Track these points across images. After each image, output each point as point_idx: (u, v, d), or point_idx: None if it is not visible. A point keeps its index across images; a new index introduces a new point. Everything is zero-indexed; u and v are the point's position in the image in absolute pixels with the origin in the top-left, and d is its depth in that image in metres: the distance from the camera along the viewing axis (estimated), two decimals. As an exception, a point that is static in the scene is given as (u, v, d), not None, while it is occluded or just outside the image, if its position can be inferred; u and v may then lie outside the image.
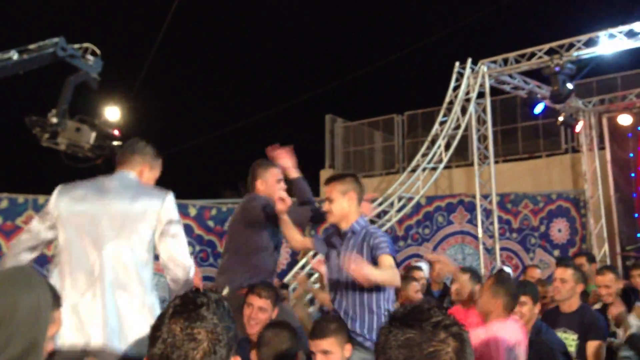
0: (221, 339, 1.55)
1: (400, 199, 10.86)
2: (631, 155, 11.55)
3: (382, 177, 14.62)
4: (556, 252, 11.57)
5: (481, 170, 11.26)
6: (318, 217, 4.23)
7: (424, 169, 10.90)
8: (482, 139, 11.39)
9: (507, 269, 7.85)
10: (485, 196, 11.12)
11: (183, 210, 10.75)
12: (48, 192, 3.20)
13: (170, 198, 3.12)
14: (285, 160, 4.24)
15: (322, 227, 4.12)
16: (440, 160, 10.84)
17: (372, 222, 10.55)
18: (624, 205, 11.59)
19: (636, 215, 11.32)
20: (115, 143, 3.91)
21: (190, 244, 10.35)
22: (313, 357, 3.19)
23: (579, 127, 11.67)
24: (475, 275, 4.59)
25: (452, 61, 11.02)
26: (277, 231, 4.22)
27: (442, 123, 10.95)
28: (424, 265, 6.99)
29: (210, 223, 10.85)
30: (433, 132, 11.07)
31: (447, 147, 10.83)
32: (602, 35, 9.40)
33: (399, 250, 11.61)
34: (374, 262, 3.38)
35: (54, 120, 3.85)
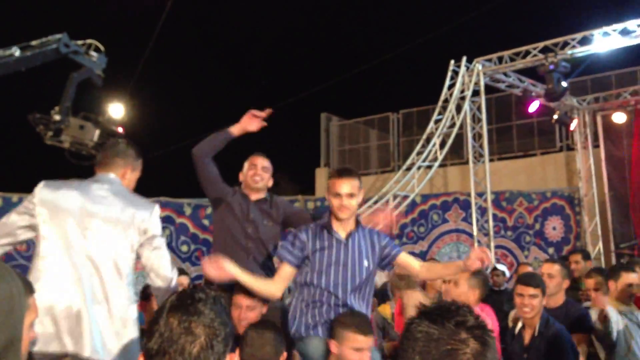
0: (218, 334, 1.56)
1: (395, 197, 10.87)
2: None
3: (377, 176, 14.64)
4: (551, 250, 11.61)
5: (476, 168, 11.28)
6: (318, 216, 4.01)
7: (419, 167, 10.91)
8: (477, 137, 11.42)
9: (502, 267, 7.87)
10: (480, 194, 11.15)
11: (178, 209, 10.73)
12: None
13: (156, 211, 3.10)
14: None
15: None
16: (435, 159, 10.85)
17: (367, 220, 10.57)
18: (618, 203, 11.64)
19: (630, 213, 11.37)
20: (119, 140, 3.87)
21: (185, 242, 10.36)
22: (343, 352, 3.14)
23: (573, 125, 11.71)
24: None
25: (447, 59, 11.05)
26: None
27: (437, 121, 10.97)
28: None
29: (206, 222, 10.83)
30: (428, 130, 11.09)
31: (442, 145, 10.85)
32: (597, 33, 9.44)
33: (394, 248, 11.63)
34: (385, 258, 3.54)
35: (57, 117, 3.79)
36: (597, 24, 9.49)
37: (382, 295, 7.15)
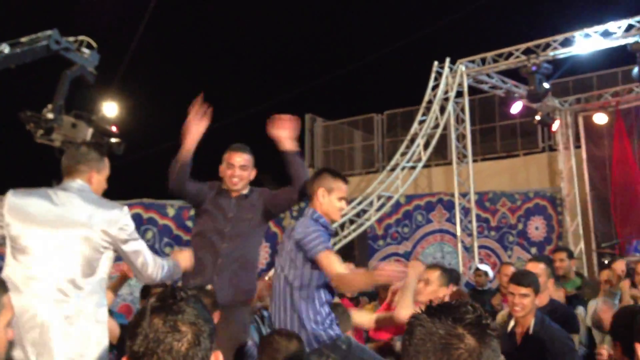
0: (204, 330, 1.56)
1: (379, 197, 10.90)
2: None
3: (362, 176, 14.66)
4: (533, 250, 11.71)
5: (460, 169, 11.35)
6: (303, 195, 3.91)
7: (403, 168, 10.95)
8: (461, 137, 11.49)
9: (485, 267, 7.92)
10: (464, 195, 11.21)
11: (161, 211, 10.66)
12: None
13: (124, 213, 3.06)
14: (281, 130, 3.93)
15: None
16: (419, 159, 10.90)
17: (351, 221, 10.59)
18: (600, 203, 11.76)
19: (611, 212, 11.49)
20: (113, 140, 3.79)
21: (168, 244, 10.30)
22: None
23: (555, 126, 11.82)
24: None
25: (431, 61, 11.10)
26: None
27: (421, 122, 11.02)
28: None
29: (189, 223, 10.76)
30: (412, 131, 11.13)
31: (426, 146, 10.90)
32: (578, 35, 9.53)
33: (378, 249, 11.66)
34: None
35: (50, 116, 3.71)
36: (578, 25, 9.60)
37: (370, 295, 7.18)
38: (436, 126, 10.85)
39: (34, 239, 2.89)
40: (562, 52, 9.73)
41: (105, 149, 3.69)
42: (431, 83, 11.05)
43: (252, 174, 4.02)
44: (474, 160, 11.73)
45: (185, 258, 3.50)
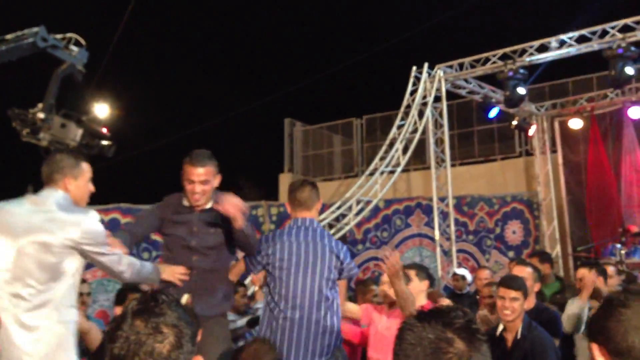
0: (186, 333, 1.55)
1: (358, 202, 10.91)
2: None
3: (341, 181, 14.68)
4: (511, 254, 11.80)
5: (438, 173, 11.41)
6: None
7: (382, 173, 10.97)
8: (439, 142, 11.56)
9: (463, 271, 7.96)
10: (442, 199, 11.27)
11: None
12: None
13: (90, 218, 3.07)
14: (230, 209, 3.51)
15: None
16: (398, 164, 10.93)
17: (330, 226, 10.59)
18: (576, 207, 11.91)
19: (587, 216, 11.63)
20: (104, 142, 3.73)
21: (146, 249, 10.21)
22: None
23: (532, 131, 11.96)
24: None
25: (410, 66, 11.15)
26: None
27: (400, 127, 11.06)
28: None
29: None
30: (391, 135, 11.16)
31: (405, 150, 10.94)
32: (554, 41, 9.65)
33: (357, 253, 11.68)
34: None
35: (41, 115, 3.65)
36: (554, 31, 9.71)
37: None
38: (415, 131, 10.90)
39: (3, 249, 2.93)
40: (538, 58, 9.84)
41: (96, 151, 3.65)
42: (410, 88, 11.10)
43: (215, 182, 3.79)
44: (452, 165, 11.81)
45: (169, 272, 3.58)
